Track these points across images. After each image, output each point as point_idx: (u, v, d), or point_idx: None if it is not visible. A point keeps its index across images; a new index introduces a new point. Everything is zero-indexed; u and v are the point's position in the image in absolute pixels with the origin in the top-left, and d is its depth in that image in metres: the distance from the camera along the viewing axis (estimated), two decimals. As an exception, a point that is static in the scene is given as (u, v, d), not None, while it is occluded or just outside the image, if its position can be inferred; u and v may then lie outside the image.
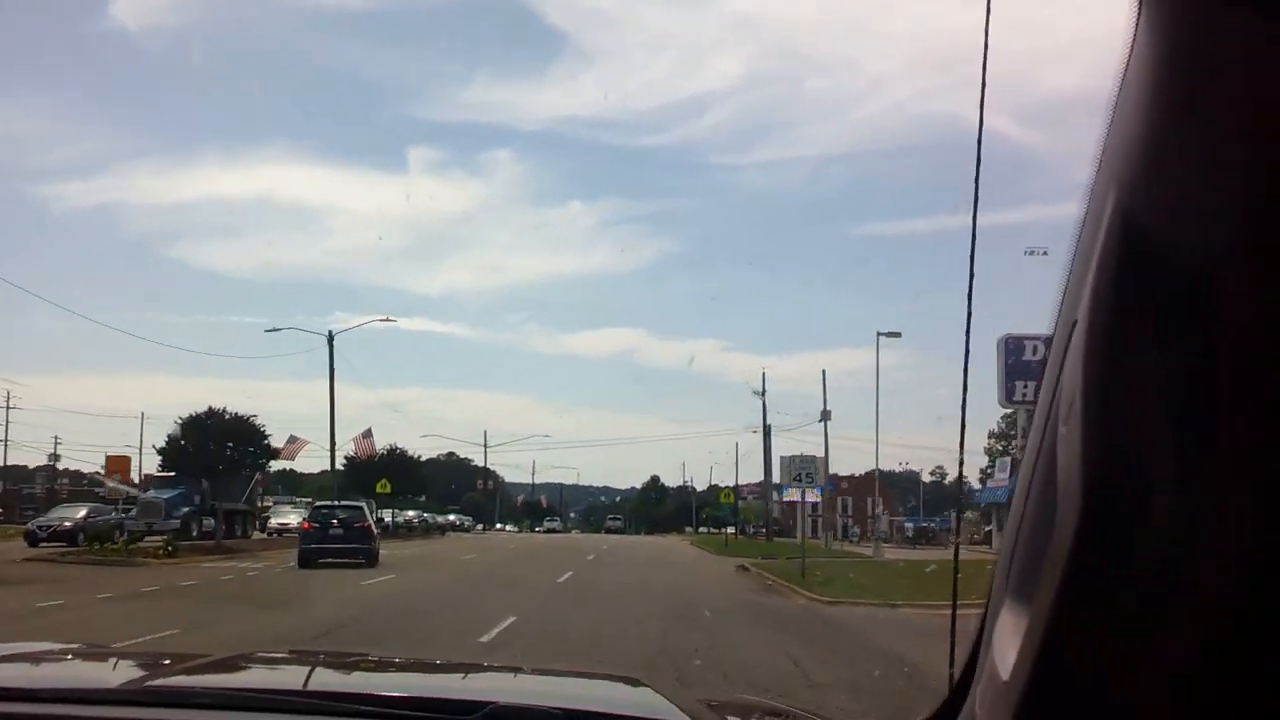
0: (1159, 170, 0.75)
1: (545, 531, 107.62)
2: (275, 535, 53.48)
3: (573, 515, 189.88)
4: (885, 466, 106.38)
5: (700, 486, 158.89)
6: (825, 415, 56.33)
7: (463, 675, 2.81)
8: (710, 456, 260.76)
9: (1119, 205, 0.76)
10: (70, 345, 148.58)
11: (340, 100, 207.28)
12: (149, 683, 2.11)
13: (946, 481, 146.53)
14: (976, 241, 1.34)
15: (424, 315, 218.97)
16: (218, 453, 36.98)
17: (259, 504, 50.84)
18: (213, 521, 43.04)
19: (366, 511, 30.60)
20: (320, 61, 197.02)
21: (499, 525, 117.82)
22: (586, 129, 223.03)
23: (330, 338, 43.41)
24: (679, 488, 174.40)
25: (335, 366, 41.09)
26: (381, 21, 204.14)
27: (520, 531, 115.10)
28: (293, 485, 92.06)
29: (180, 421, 38.63)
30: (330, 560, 26.71)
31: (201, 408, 38.58)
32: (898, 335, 46.64)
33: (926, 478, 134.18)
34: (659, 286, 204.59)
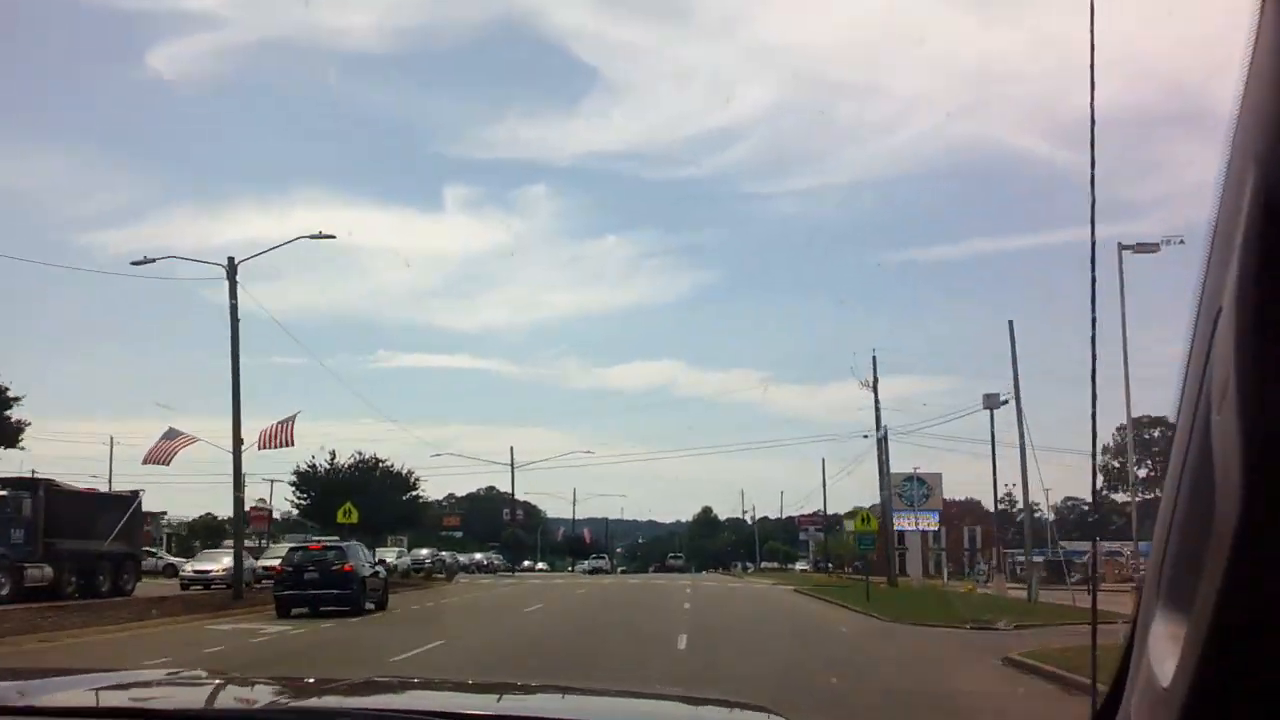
0: None
1: (590, 572, 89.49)
2: (200, 587, 37.13)
3: (619, 551, 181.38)
4: (967, 496, 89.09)
5: (752, 514, 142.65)
6: (995, 402, 38.52)
7: (610, 697, 2.82)
8: (762, 487, 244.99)
9: (1260, 184, 0.72)
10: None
11: (374, 142, 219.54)
12: (293, 703, 2.12)
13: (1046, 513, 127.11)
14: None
15: (464, 352, 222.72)
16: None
17: (140, 543, 33.97)
18: (50, 571, 26.36)
19: (354, 552, 26.88)
20: (353, 105, 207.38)
21: (529, 564, 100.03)
22: (619, 162, 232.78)
23: (231, 267, 26.40)
24: (730, 520, 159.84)
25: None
26: (411, 64, 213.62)
27: (557, 572, 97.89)
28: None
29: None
30: (316, 609, 24.52)
31: None
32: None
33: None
34: (695, 317, 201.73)
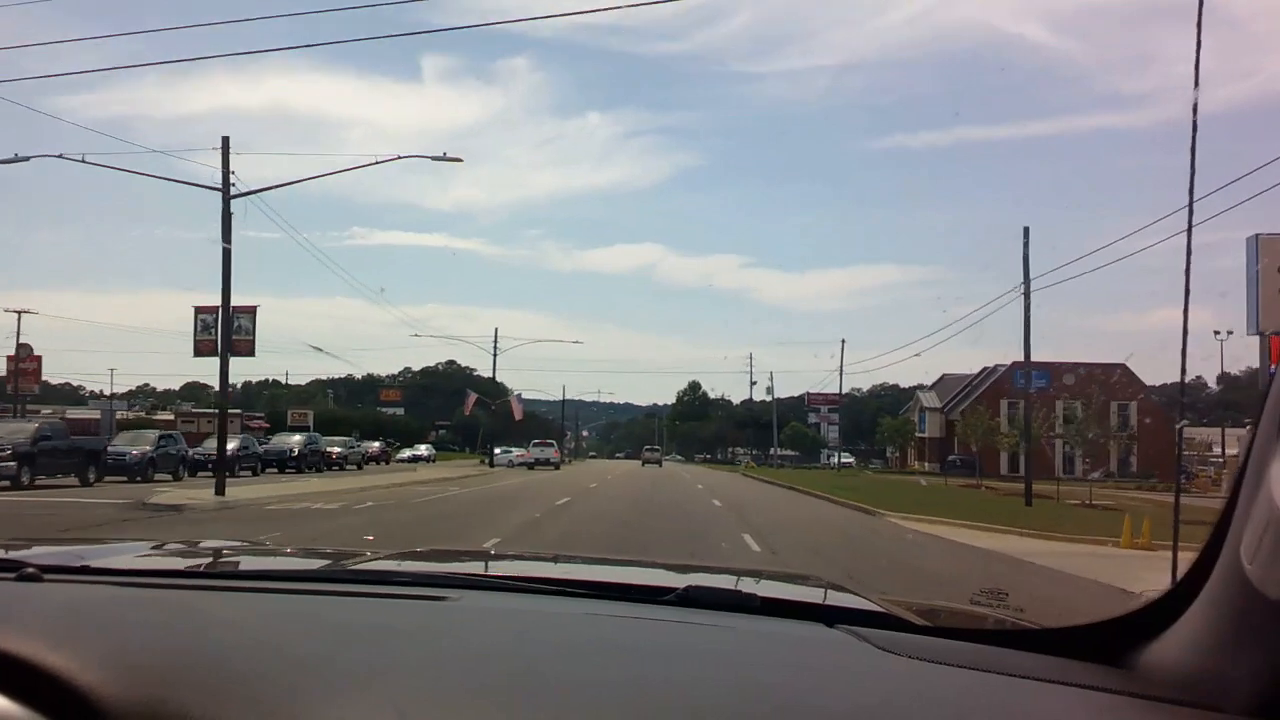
0: None
1: (533, 463, 55.34)
2: None
3: (587, 434, 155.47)
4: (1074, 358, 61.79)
5: (770, 389, 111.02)
6: None
7: (660, 569, 2.79)
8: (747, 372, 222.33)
9: None
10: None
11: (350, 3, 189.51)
12: (351, 566, 2.08)
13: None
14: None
15: (441, 231, 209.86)
16: None
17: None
18: None
19: None
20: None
21: (380, 445, 59.54)
22: (605, 35, 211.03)
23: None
24: (720, 400, 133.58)
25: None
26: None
27: (444, 462, 64.15)
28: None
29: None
30: None
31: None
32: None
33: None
34: (677, 201, 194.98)
